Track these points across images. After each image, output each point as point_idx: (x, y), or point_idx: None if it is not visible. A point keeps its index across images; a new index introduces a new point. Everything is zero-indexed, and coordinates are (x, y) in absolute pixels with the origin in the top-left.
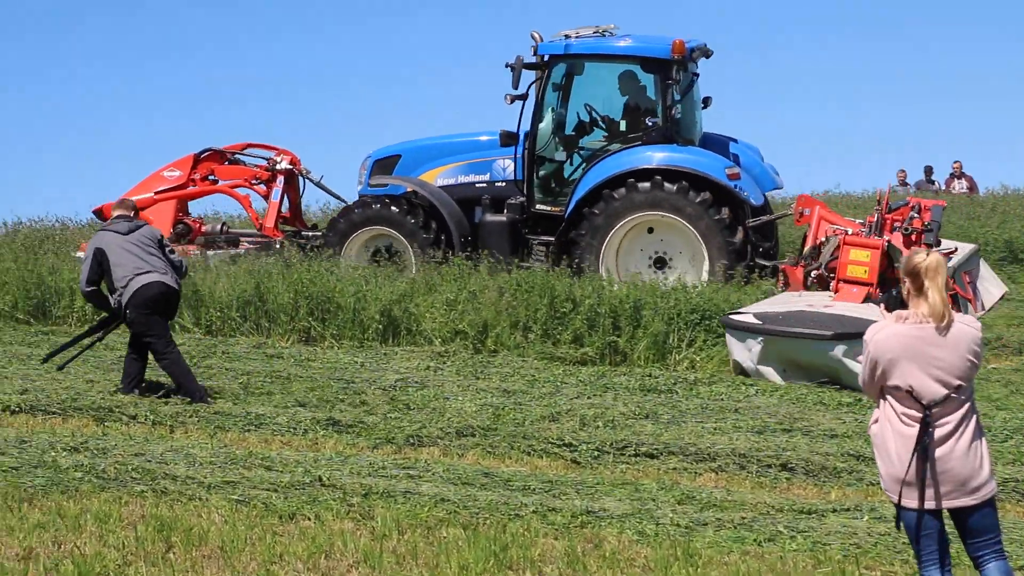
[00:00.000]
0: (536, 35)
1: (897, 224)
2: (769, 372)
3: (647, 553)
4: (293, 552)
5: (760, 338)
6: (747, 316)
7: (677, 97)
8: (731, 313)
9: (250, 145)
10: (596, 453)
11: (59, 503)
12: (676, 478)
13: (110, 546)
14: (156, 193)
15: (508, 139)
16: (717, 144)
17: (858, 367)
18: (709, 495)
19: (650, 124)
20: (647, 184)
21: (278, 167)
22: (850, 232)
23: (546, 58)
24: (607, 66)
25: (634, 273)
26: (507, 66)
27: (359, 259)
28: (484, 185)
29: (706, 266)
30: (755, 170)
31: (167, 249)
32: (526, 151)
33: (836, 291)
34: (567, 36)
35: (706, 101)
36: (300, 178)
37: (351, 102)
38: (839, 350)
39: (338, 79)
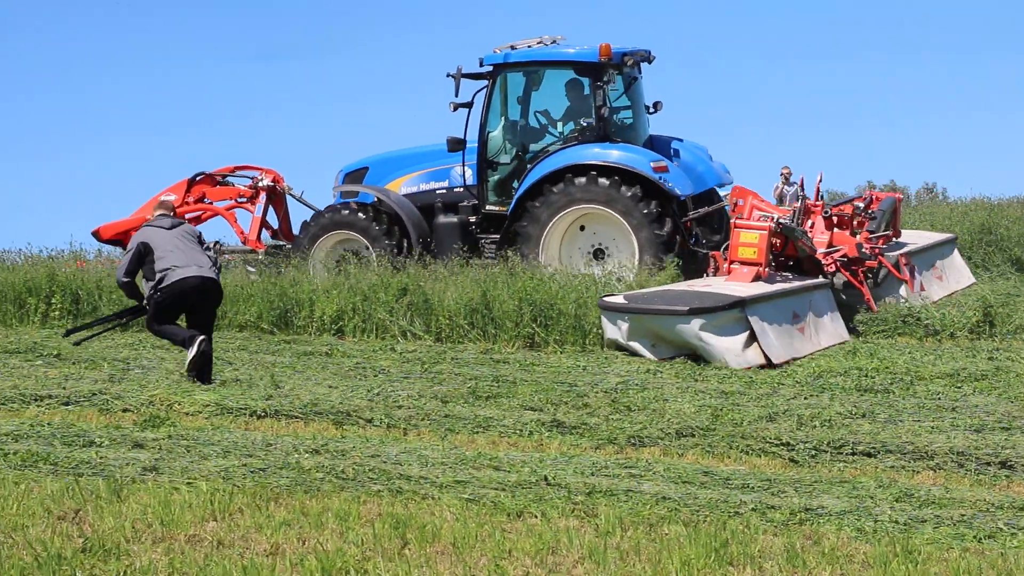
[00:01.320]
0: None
1: (837, 212)
2: (638, 347)
3: (866, 550)
4: (521, 548)
5: (627, 316)
6: (617, 298)
7: (611, 98)
8: (605, 296)
9: (238, 168)
10: (813, 452)
11: (302, 502)
12: (894, 476)
13: (350, 542)
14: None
15: (456, 144)
16: (661, 144)
17: (714, 340)
18: (927, 493)
19: (585, 124)
20: (583, 179)
21: (260, 185)
22: (776, 217)
23: (490, 68)
24: (544, 72)
25: (577, 268)
26: (448, 76)
27: (327, 262)
28: (443, 191)
29: (635, 258)
30: (699, 167)
31: (204, 246)
32: (477, 156)
33: (729, 272)
34: (512, 47)
35: (656, 105)
36: (285, 194)
37: (327, 120)
38: (695, 324)
39: (316, 98)
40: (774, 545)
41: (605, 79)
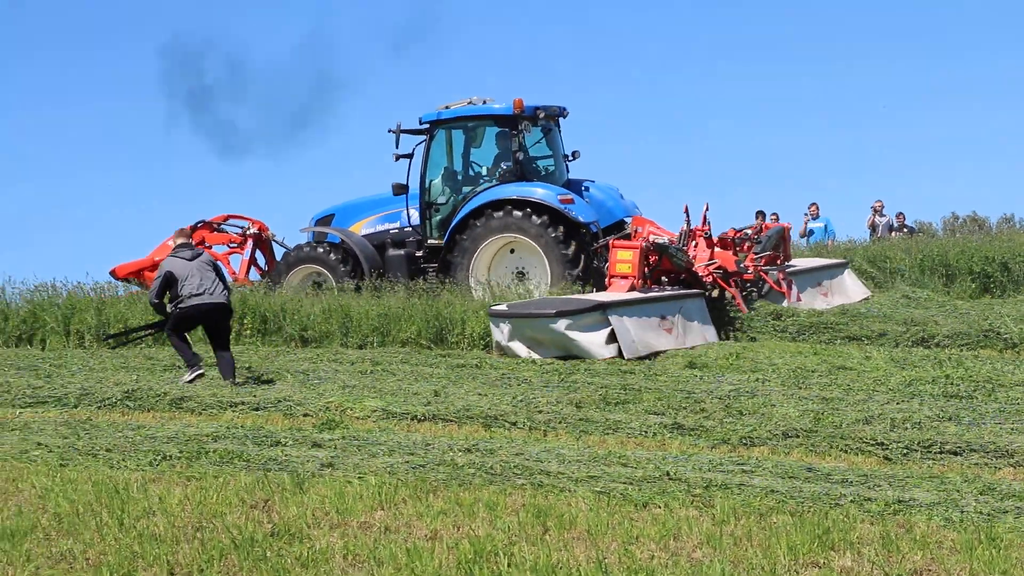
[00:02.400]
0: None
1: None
2: (518, 347)
3: (953, 537)
4: (647, 534)
5: (508, 321)
6: (501, 306)
7: (528, 144)
8: (492, 305)
9: (231, 216)
10: (905, 451)
11: (457, 494)
12: (978, 472)
13: (498, 528)
14: (157, 259)
15: (400, 189)
16: (576, 185)
17: (579, 336)
18: (1009, 487)
19: (505, 168)
20: (501, 213)
21: (248, 233)
22: (664, 240)
23: (427, 125)
24: (471, 126)
25: (504, 287)
26: (389, 131)
27: (300, 289)
28: (396, 231)
29: (548, 276)
30: (609, 203)
31: (219, 271)
32: (419, 199)
33: (608, 285)
34: (447, 107)
35: (574, 154)
36: (270, 241)
37: (302, 175)
38: (561, 324)
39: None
40: (871, 533)
41: (520, 129)
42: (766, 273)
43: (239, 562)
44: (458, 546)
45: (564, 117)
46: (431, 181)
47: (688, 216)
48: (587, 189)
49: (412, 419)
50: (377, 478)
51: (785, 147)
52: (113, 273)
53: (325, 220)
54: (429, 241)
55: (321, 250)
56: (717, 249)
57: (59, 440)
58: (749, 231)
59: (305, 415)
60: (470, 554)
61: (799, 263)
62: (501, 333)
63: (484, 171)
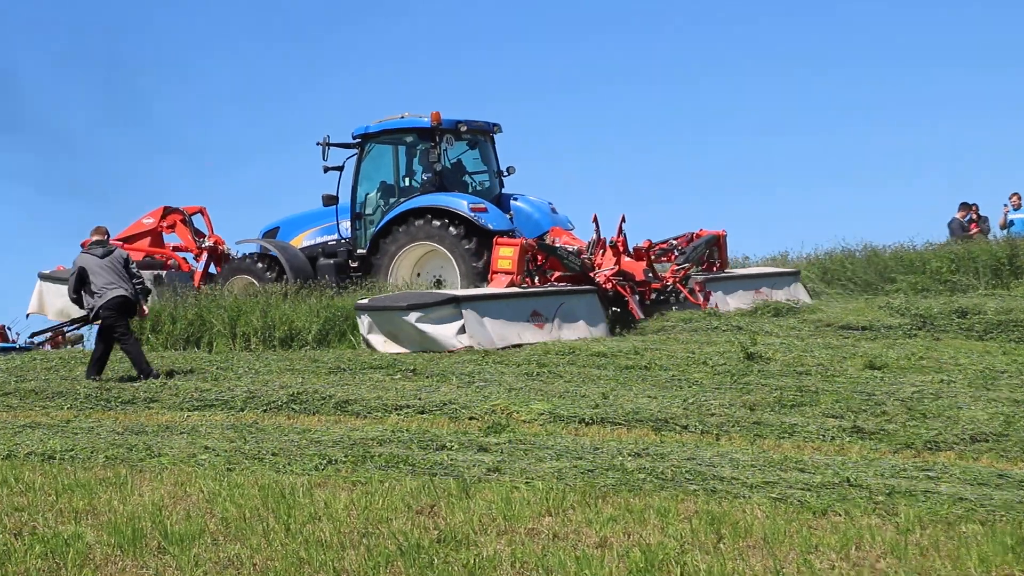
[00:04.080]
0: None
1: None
2: (376, 340)
3: None
4: (827, 543)
5: (368, 314)
6: (364, 300)
7: (448, 157)
8: (358, 300)
9: (202, 210)
10: None
11: (627, 500)
12: None
13: (670, 536)
14: (123, 241)
15: (330, 200)
16: (507, 199)
17: (430, 328)
18: None
19: (426, 178)
20: (421, 221)
21: (203, 246)
22: (571, 249)
23: (358, 139)
24: (395, 139)
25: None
26: (317, 144)
27: (241, 294)
28: (333, 242)
29: (459, 282)
30: (536, 215)
31: (131, 266)
32: (351, 210)
33: (490, 280)
34: (379, 121)
35: (509, 169)
36: (226, 253)
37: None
38: (412, 316)
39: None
40: None
41: (438, 141)
42: (682, 283)
43: (405, 569)
44: (628, 554)
45: (496, 133)
46: (361, 192)
47: (597, 226)
48: (515, 200)
49: (580, 422)
50: (545, 483)
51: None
52: (83, 246)
53: (271, 233)
54: (359, 251)
55: (249, 260)
56: (627, 259)
57: (226, 444)
58: (674, 241)
59: (471, 418)
60: (641, 563)
61: (750, 271)
62: (364, 326)
63: (408, 183)
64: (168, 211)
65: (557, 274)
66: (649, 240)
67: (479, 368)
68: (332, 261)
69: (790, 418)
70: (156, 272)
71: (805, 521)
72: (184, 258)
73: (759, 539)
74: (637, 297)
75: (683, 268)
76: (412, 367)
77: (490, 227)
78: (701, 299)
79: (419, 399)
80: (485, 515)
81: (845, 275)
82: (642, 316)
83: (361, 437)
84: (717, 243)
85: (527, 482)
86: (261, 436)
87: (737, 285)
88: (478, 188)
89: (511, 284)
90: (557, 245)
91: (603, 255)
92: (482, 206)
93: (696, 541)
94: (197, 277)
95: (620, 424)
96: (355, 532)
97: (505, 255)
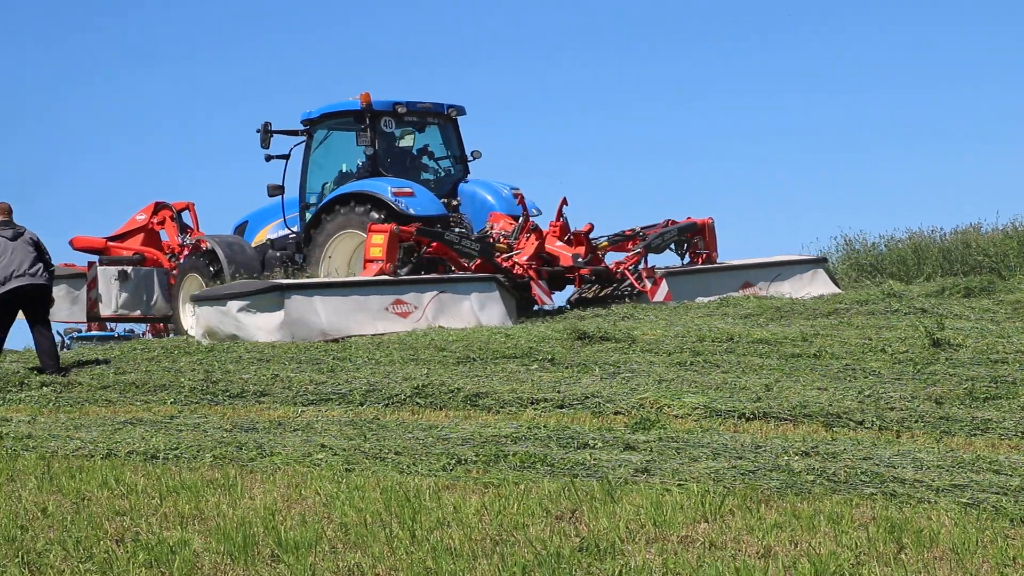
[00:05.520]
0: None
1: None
2: (199, 332)
3: None
4: None
5: (197, 305)
6: (197, 292)
7: (386, 139)
8: (194, 292)
9: (190, 206)
10: None
11: (793, 504)
12: None
13: (843, 546)
14: (108, 240)
15: (275, 190)
16: (466, 184)
17: (248, 319)
18: None
19: (360, 164)
20: (346, 208)
21: (185, 243)
22: (470, 234)
23: (305, 127)
24: (335, 124)
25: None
26: (257, 131)
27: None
28: (294, 235)
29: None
30: (489, 200)
31: (42, 251)
32: (299, 200)
33: (364, 268)
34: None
35: (474, 154)
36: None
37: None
38: (232, 307)
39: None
40: None
41: (370, 123)
42: (631, 270)
43: None
44: (796, 565)
45: (458, 116)
46: (309, 181)
47: (525, 209)
48: (466, 184)
49: (739, 417)
50: (700, 486)
51: None
52: (71, 243)
53: (241, 228)
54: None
55: (194, 257)
56: (559, 244)
57: (344, 442)
58: (638, 228)
59: (616, 413)
60: (810, 575)
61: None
62: (194, 318)
63: (346, 169)
64: (159, 207)
65: (479, 262)
66: (590, 224)
67: (624, 357)
68: (279, 254)
69: (983, 412)
70: (121, 268)
71: (1000, 529)
72: (167, 256)
73: (946, 550)
74: (545, 283)
75: (636, 254)
76: (551, 356)
77: (411, 212)
78: (648, 285)
79: (558, 392)
80: (633, 521)
81: None
82: (548, 303)
83: (494, 434)
84: (701, 232)
85: (680, 484)
86: (383, 433)
87: (714, 277)
88: (431, 175)
89: (381, 272)
90: (456, 230)
91: (527, 240)
92: (407, 190)
93: (873, 551)
94: (171, 278)
95: (785, 419)
96: (487, 539)
97: (376, 242)
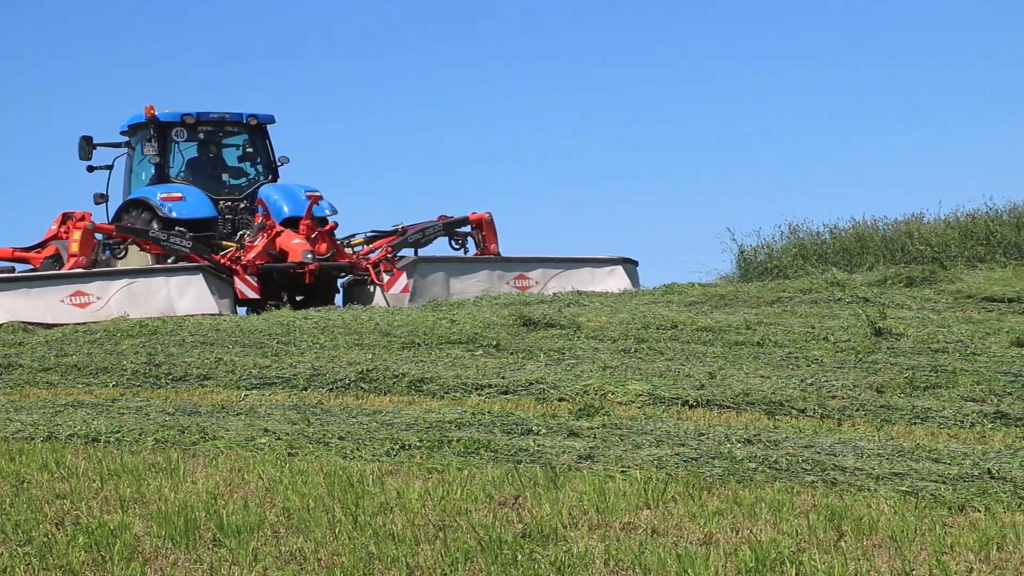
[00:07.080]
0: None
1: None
2: None
3: None
4: (964, 543)
5: None
6: None
7: (177, 149)
8: None
9: (86, 215)
10: None
11: (735, 492)
12: None
13: (784, 533)
14: (23, 250)
15: (100, 198)
16: (266, 189)
17: None
18: None
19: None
20: (128, 215)
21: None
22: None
23: (127, 138)
24: (136, 136)
25: None
26: (81, 139)
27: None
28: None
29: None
30: (281, 203)
31: None
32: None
33: (67, 262)
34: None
35: (282, 160)
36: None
37: None
38: None
39: None
40: None
41: (156, 135)
42: (373, 265)
43: (486, 566)
44: (737, 552)
45: (264, 125)
46: (129, 188)
47: (310, 209)
48: (263, 187)
49: (683, 405)
50: (643, 473)
51: None
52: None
53: None
54: None
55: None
56: (296, 240)
57: (288, 426)
58: (401, 225)
59: (560, 399)
60: (751, 562)
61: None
62: None
63: (144, 176)
64: (65, 217)
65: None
66: (334, 223)
67: (569, 344)
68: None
69: (923, 401)
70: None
71: (939, 518)
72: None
73: (886, 537)
74: (253, 278)
75: (384, 250)
76: (495, 342)
77: (173, 216)
78: (385, 279)
79: (503, 378)
80: (575, 507)
81: (994, 239)
82: (251, 295)
83: (438, 420)
84: (479, 227)
85: (623, 471)
86: (327, 418)
87: (481, 269)
88: (243, 180)
89: (76, 266)
90: (176, 229)
91: (259, 238)
92: (176, 195)
93: (814, 539)
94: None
95: (728, 407)
96: (431, 525)
97: (74, 238)
